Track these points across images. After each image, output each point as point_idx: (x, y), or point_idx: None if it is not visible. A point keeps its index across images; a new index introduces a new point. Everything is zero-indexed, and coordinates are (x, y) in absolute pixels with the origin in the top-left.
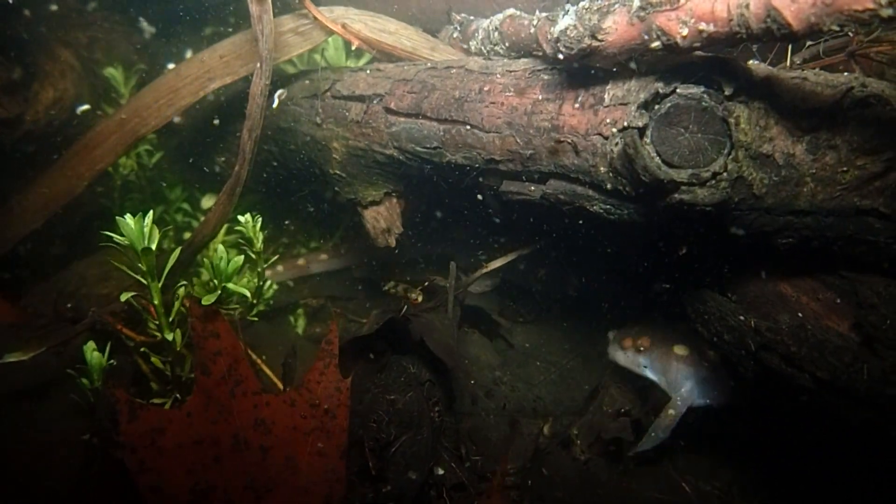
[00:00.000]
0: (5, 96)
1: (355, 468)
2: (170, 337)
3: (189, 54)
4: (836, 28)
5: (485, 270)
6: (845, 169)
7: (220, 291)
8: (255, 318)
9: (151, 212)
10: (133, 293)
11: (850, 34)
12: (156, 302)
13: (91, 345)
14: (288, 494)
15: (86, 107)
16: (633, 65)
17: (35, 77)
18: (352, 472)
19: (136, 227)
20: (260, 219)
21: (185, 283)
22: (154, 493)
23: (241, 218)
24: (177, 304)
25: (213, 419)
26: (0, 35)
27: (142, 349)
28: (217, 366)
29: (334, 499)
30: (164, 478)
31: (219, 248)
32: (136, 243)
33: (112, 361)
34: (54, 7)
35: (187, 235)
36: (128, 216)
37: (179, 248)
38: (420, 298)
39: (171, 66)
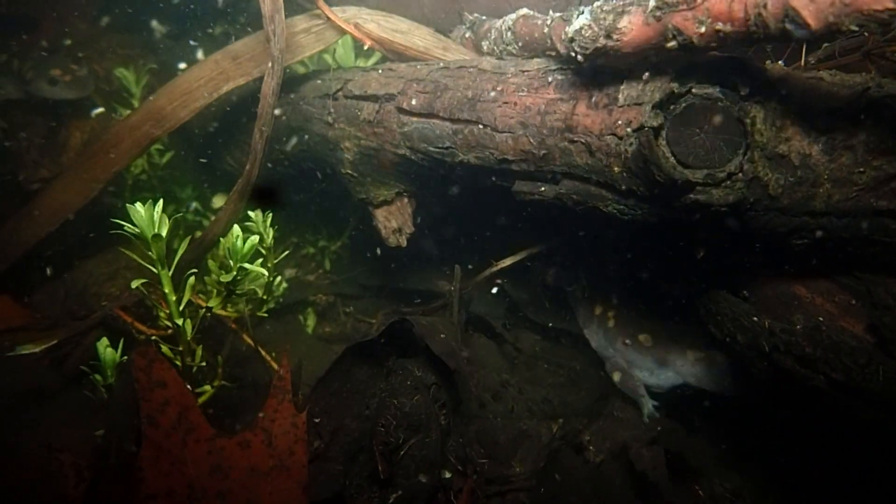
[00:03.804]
0: (43, 157)
1: (366, 473)
2: (180, 322)
3: (200, 54)
4: (854, 28)
5: (494, 269)
6: (861, 170)
7: (235, 272)
8: (266, 315)
9: (161, 201)
10: (144, 280)
11: (866, 34)
12: (166, 290)
13: (104, 341)
14: None
15: (100, 110)
16: (647, 65)
17: (61, 123)
18: (362, 477)
19: (147, 215)
20: (270, 214)
21: (195, 270)
22: None
23: (251, 213)
24: (187, 292)
25: (166, 471)
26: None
27: (153, 338)
28: (166, 416)
29: None
30: None
31: (234, 229)
32: (147, 231)
33: (125, 357)
34: (68, 41)
35: (198, 234)
36: (138, 204)
37: (189, 237)
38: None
39: (182, 65)
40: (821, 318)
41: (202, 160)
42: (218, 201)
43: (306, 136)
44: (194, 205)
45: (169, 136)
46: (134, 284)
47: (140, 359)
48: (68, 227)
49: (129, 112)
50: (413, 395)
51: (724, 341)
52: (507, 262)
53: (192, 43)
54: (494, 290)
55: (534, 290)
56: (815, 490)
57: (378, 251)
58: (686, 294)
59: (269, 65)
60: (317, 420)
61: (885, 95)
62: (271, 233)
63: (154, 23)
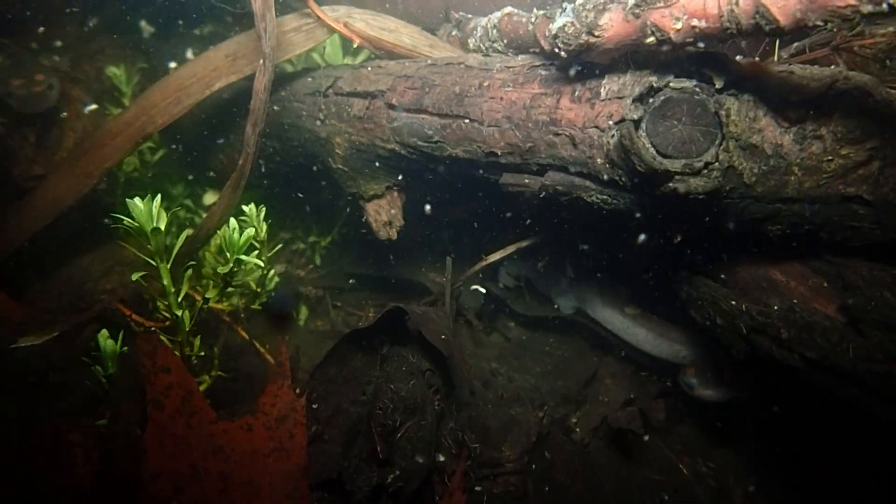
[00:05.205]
0: (37, 154)
1: (364, 454)
2: (179, 313)
3: (189, 53)
4: (820, 23)
5: (484, 263)
6: (830, 158)
7: (232, 264)
8: (259, 308)
9: (159, 195)
10: (143, 272)
11: (834, 30)
12: (165, 282)
13: (104, 333)
14: None
15: (93, 106)
16: (628, 61)
17: (54, 122)
18: (360, 459)
19: (146, 209)
20: (264, 209)
21: (193, 263)
22: None
23: (245, 208)
24: (185, 284)
25: (170, 452)
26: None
27: (152, 329)
28: (170, 400)
29: None
30: None
31: (231, 222)
32: (146, 224)
33: (125, 348)
34: (59, 43)
35: (190, 232)
36: (136, 199)
37: (186, 231)
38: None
39: (172, 64)
40: (795, 301)
41: (193, 158)
42: (209, 198)
43: (297, 133)
44: (187, 201)
45: (161, 134)
46: (134, 277)
47: (145, 344)
48: (62, 223)
49: (120, 110)
50: (408, 380)
51: (704, 324)
52: (497, 255)
53: (181, 42)
54: (481, 289)
55: (518, 286)
56: (797, 471)
57: (368, 245)
58: (666, 279)
59: (261, 62)
60: (315, 405)
61: (852, 87)
62: (265, 226)
63: (143, 23)
